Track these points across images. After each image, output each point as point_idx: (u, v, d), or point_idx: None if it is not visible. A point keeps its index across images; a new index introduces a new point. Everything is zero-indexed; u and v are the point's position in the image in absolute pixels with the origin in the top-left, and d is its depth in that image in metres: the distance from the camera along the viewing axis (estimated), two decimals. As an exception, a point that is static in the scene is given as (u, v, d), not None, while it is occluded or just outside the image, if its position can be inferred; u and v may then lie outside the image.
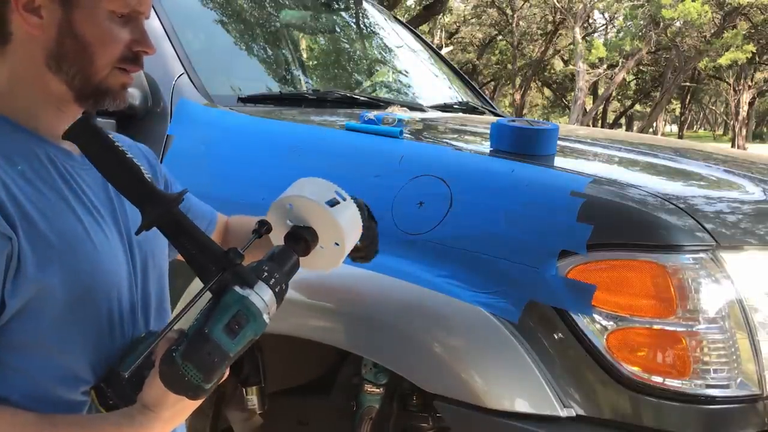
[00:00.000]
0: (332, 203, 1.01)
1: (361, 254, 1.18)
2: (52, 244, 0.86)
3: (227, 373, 0.87)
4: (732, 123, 30.62)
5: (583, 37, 23.01)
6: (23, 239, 0.83)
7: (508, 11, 26.34)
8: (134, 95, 1.77)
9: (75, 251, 0.88)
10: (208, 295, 0.86)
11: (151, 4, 0.98)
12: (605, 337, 1.19)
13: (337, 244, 1.02)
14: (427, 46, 3.26)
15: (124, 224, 0.99)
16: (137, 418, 0.86)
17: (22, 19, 0.89)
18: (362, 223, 1.06)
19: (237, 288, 0.84)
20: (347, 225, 1.02)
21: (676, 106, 38.66)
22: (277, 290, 0.88)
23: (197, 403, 0.90)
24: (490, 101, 3.15)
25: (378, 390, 1.50)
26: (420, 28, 16.61)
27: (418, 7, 19.97)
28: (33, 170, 0.88)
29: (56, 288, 0.86)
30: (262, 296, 0.85)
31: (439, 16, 21.85)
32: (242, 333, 0.82)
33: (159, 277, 1.05)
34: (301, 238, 0.99)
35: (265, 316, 0.85)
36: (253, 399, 1.70)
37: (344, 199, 1.03)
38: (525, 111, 29.33)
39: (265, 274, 0.88)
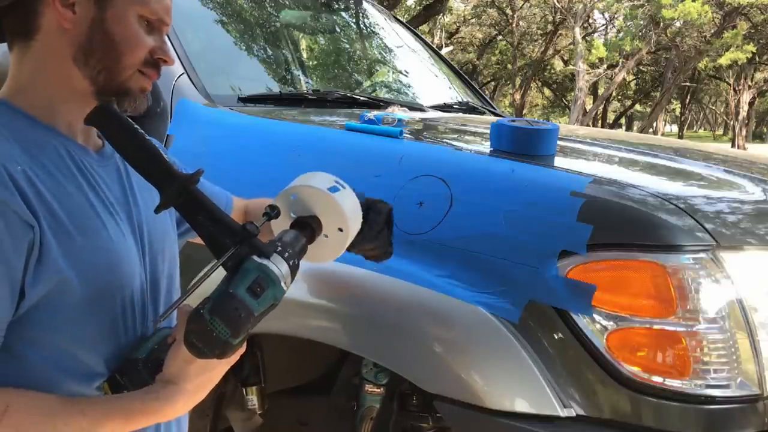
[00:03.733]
0: (334, 190, 1.04)
1: (374, 253, 1.22)
2: (72, 237, 0.87)
3: (244, 346, 0.88)
4: (732, 123, 30.62)
5: (583, 37, 23.01)
6: (46, 229, 0.84)
7: (508, 11, 26.34)
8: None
9: (94, 245, 0.89)
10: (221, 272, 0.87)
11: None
12: (605, 337, 1.19)
13: (340, 230, 1.05)
14: (427, 46, 3.26)
15: (138, 221, 1.00)
16: (161, 393, 0.88)
17: (57, 13, 0.91)
18: (362, 213, 1.11)
19: (255, 257, 0.87)
20: (350, 210, 1.06)
21: (676, 106, 38.68)
22: (291, 263, 0.91)
23: (219, 374, 0.92)
24: (490, 101, 3.15)
25: (378, 390, 1.50)
26: (420, 28, 16.61)
27: (418, 7, 19.98)
28: (53, 164, 0.90)
29: (74, 281, 0.86)
30: (278, 266, 0.88)
31: (439, 16, 21.84)
32: (264, 295, 0.85)
33: (168, 276, 1.06)
34: (307, 225, 1.03)
35: (283, 284, 0.88)
36: (253, 399, 1.70)
37: (344, 188, 1.07)
38: (525, 111, 29.32)
39: (279, 248, 0.91)
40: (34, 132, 0.91)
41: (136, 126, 0.90)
